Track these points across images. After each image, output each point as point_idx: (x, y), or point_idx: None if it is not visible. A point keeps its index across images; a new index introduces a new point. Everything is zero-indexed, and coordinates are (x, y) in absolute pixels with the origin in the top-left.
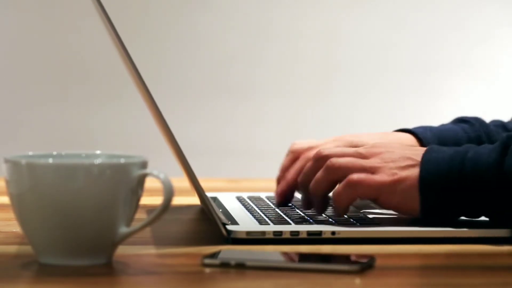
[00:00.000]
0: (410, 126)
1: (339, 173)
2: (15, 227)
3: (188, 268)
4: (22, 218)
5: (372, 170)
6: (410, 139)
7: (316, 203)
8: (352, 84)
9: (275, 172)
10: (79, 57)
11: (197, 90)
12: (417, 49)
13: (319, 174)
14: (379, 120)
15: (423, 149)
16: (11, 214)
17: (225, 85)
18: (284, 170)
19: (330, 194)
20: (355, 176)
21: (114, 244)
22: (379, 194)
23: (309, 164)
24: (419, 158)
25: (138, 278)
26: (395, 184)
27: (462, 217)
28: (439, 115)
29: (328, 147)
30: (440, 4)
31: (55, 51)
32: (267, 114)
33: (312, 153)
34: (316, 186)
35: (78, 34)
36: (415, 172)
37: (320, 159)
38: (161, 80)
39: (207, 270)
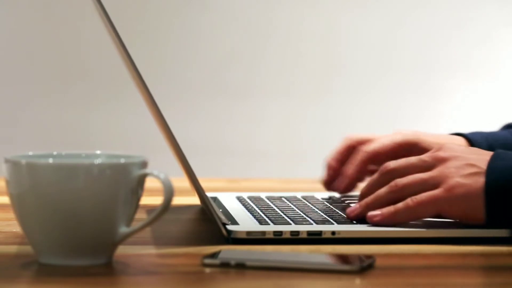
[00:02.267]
0: (411, 127)
1: (401, 194)
2: (15, 227)
3: (188, 268)
4: (22, 218)
5: (434, 183)
6: (461, 141)
7: (362, 213)
8: (352, 84)
9: (276, 172)
10: (79, 57)
11: (197, 90)
12: (417, 49)
13: (382, 191)
14: (379, 120)
15: (489, 153)
16: (11, 214)
17: (225, 85)
18: (338, 157)
19: None
20: (415, 198)
21: (114, 244)
22: (440, 209)
23: (374, 177)
24: (483, 165)
25: (138, 278)
26: (455, 194)
27: None
28: (439, 115)
29: (395, 161)
30: (440, 4)
31: (55, 51)
32: (268, 114)
33: (368, 148)
34: (376, 201)
35: (79, 33)
36: (479, 180)
37: (385, 174)
38: (161, 79)
39: (207, 270)
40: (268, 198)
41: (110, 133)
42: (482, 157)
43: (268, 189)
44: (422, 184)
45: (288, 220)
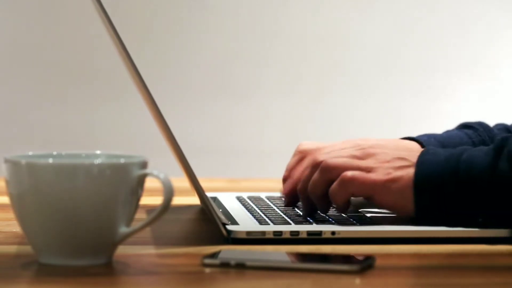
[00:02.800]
0: (412, 127)
1: (334, 172)
2: (15, 227)
3: (188, 268)
4: (22, 218)
5: (367, 170)
6: (415, 147)
7: (318, 205)
8: (354, 84)
9: (277, 172)
10: (79, 57)
11: (197, 90)
12: (419, 50)
13: (315, 175)
14: (382, 120)
15: (419, 150)
16: (11, 214)
17: (226, 85)
18: (290, 169)
19: None
20: (349, 173)
21: (114, 244)
22: (373, 192)
23: (306, 171)
24: (414, 159)
25: (138, 278)
26: (389, 183)
27: (455, 218)
28: (442, 117)
29: (323, 153)
30: (443, 6)
31: (55, 51)
32: (270, 114)
33: (318, 154)
34: (313, 187)
35: (78, 34)
36: (409, 172)
37: (316, 165)
38: (162, 79)
39: (207, 270)
40: (268, 198)
41: (110, 133)
42: (412, 153)
43: (268, 189)
44: (355, 168)
45: (288, 220)
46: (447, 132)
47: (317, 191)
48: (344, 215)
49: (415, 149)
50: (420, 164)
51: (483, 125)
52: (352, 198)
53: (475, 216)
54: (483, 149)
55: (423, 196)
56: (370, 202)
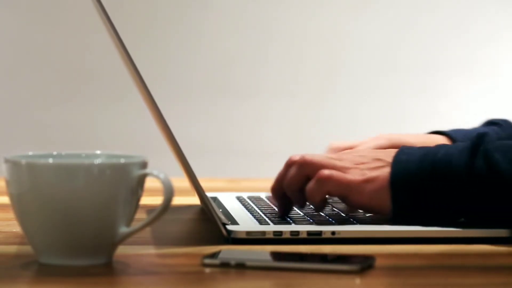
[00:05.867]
0: (413, 127)
1: (311, 168)
2: (15, 227)
3: (188, 268)
4: (22, 218)
5: (343, 170)
6: (444, 140)
7: (294, 199)
8: (355, 84)
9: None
10: (80, 58)
11: (197, 90)
12: (420, 50)
13: (292, 170)
14: (382, 120)
15: (395, 150)
16: (11, 214)
17: (226, 85)
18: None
19: None
20: (326, 171)
21: (114, 244)
22: (348, 192)
23: (281, 171)
24: (389, 159)
25: (138, 278)
26: (365, 183)
27: (433, 217)
28: (442, 116)
29: (298, 154)
30: (443, 6)
31: (56, 52)
32: (269, 114)
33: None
34: (290, 182)
35: (79, 34)
36: (385, 172)
37: (292, 164)
38: (163, 79)
39: (207, 270)
40: (268, 198)
41: (110, 133)
42: (388, 154)
43: (268, 189)
44: (332, 167)
45: (288, 220)
46: (474, 128)
47: (293, 186)
48: (343, 215)
49: (391, 150)
50: (396, 164)
51: (507, 122)
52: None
53: (453, 214)
54: (459, 146)
55: (399, 195)
56: (344, 202)
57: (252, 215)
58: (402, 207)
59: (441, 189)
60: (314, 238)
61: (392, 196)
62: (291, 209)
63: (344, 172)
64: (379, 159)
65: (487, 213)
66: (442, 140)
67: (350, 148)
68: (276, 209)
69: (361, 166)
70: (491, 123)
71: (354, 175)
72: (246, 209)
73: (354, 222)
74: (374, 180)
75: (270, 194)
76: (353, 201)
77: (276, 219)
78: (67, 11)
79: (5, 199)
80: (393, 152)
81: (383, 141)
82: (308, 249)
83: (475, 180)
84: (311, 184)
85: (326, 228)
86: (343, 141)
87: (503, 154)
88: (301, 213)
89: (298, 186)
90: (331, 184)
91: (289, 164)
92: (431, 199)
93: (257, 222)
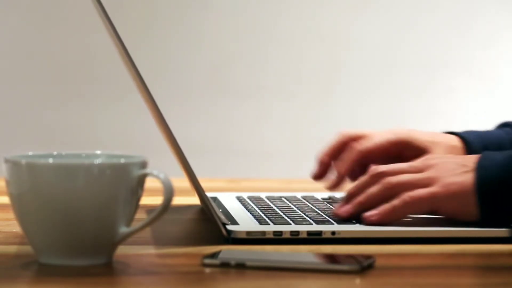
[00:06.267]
0: (414, 126)
1: (395, 191)
2: (15, 227)
3: (188, 268)
4: (22, 218)
5: (427, 182)
6: (455, 140)
7: (353, 211)
8: (355, 85)
9: (277, 172)
10: (80, 58)
11: (197, 90)
12: (421, 50)
13: (375, 188)
14: (383, 120)
15: (476, 156)
16: (11, 214)
17: (226, 85)
18: (330, 153)
19: None
20: (412, 193)
21: (114, 244)
22: (436, 205)
23: (364, 178)
24: (472, 165)
25: (138, 278)
26: (451, 191)
27: None
28: (443, 116)
29: (384, 166)
30: (443, 6)
31: (55, 52)
32: (268, 114)
33: (361, 146)
34: (367, 199)
35: (79, 35)
36: (469, 178)
37: (375, 176)
38: (163, 79)
39: (207, 270)
40: (268, 198)
41: (111, 133)
42: (469, 159)
43: (268, 189)
44: (415, 183)
45: (288, 220)
46: (487, 130)
47: (370, 205)
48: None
49: (472, 156)
50: (480, 169)
51: None
52: None
53: None
54: None
55: (487, 200)
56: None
57: (252, 215)
58: (490, 212)
59: None
60: (314, 238)
61: (479, 202)
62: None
63: (428, 184)
64: (463, 165)
65: None
66: (453, 139)
67: (360, 137)
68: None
69: (446, 173)
70: (504, 125)
71: (438, 186)
72: (246, 209)
73: (354, 222)
74: (460, 186)
75: (270, 194)
76: (441, 212)
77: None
78: (66, 11)
79: (5, 199)
80: (475, 157)
81: (391, 135)
82: (308, 249)
83: None
84: (397, 205)
85: (326, 228)
86: (354, 129)
87: None
88: (301, 213)
89: (376, 205)
90: (419, 205)
91: (373, 176)
92: None
93: (257, 222)
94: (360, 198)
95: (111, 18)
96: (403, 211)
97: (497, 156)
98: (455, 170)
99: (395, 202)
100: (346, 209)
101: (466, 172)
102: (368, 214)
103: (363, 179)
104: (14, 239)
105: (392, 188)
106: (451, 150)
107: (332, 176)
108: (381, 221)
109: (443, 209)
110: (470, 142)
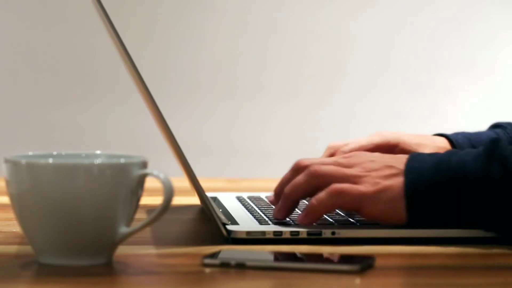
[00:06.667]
0: (414, 127)
1: (321, 180)
2: (15, 227)
3: (188, 268)
4: (22, 218)
5: (354, 180)
6: (443, 141)
7: (285, 206)
8: (356, 85)
9: (277, 172)
10: (80, 58)
11: (198, 90)
12: (422, 51)
13: (299, 177)
14: (384, 120)
15: (405, 156)
16: (11, 214)
17: (226, 85)
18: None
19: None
20: (339, 185)
21: (114, 244)
22: (361, 205)
23: (287, 174)
24: (401, 167)
25: (138, 278)
26: (379, 193)
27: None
28: (443, 116)
29: (307, 158)
30: (444, 6)
31: (56, 52)
32: (268, 114)
33: (345, 148)
34: (294, 189)
35: (79, 35)
36: (398, 181)
37: (299, 169)
38: (164, 79)
39: (207, 270)
40: (268, 198)
41: (111, 133)
42: (399, 160)
43: (268, 189)
44: (342, 176)
45: (288, 220)
46: (478, 131)
47: (299, 194)
48: (344, 215)
49: (401, 156)
50: (409, 172)
51: (511, 124)
52: None
53: (469, 221)
54: (471, 152)
55: (416, 204)
56: (356, 213)
57: (252, 215)
58: (418, 215)
59: (458, 196)
60: (314, 238)
61: (408, 205)
62: (291, 213)
63: (355, 182)
64: (391, 166)
65: (504, 218)
66: (440, 141)
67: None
68: (275, 211)
69: (373, 173)
70: (495, 126)
71: (366, 186)
72: (246, 209)
73: (354, 222)
74: (389, 189)
75: (270, 194)
76: (367, 213)
77: (274, 220)
78: (67, 11)
79: (5, 199)
80: (404, 158)
81: (377, 138)
82: (308, 249)
83: (492, 185)
84: (322, 197)
85: (326, 228)
86: (341, 141)
87: None
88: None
89: (300, 197)
90: (344, 197)
91: (296, 170)
92: (447, 207)
93: (257, 222)
94: (286, 189)
95: (111, 18)
96: (331, 204)
97: (426, 158)
98: (381, 171)
99: (321, 194)
100: (278, 208)
101: (394, 175)
102: (298, 218)
103: (286, 174)
104: (14, 239)
105: (318, 177)
106: (438, 152)
107: None
108: (312, 221)
109: (366, 210)
110: (458, 144)
